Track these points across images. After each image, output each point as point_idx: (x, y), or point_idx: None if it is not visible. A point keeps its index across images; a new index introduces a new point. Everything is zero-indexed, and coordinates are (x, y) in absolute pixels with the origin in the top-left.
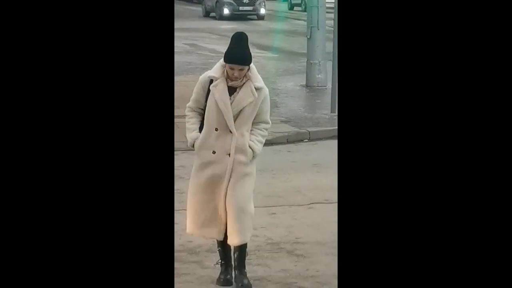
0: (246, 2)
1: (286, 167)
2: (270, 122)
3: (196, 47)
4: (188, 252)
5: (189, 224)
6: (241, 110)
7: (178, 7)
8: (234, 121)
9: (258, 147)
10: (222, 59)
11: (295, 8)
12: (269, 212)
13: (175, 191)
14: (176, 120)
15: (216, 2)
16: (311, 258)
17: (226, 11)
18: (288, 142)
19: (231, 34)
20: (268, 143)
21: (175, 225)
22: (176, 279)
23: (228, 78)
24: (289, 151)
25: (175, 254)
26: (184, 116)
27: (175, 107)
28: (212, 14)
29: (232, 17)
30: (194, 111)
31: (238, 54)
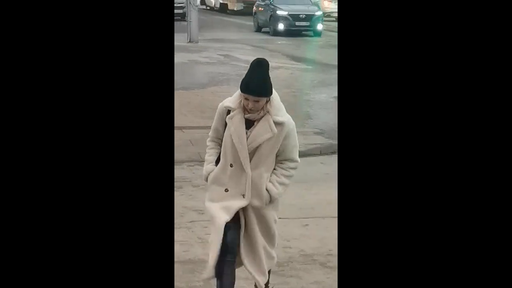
0: (303, 17)
1: (319, 179)
2: (299, 160)
3: (230, 58)
4: None
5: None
6: (257, 147)
7: (224, 19)
8: (250, 158)
9: (278, 190)
10: None
11: None
12: (302, 224)
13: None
14: (206, 131)
15: (270, 16)
16: None
17: (281, 26)
18: (321, 153)
19: (266, 46)
20: (301, 154)
21: (207, 236)
22: None
23: (245, 109)
24: (322, 163)
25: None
26: None
27: (207, 118)
28: (265, 29)
29: (287, 33)
30: (213, 141)
31: (254, 83)
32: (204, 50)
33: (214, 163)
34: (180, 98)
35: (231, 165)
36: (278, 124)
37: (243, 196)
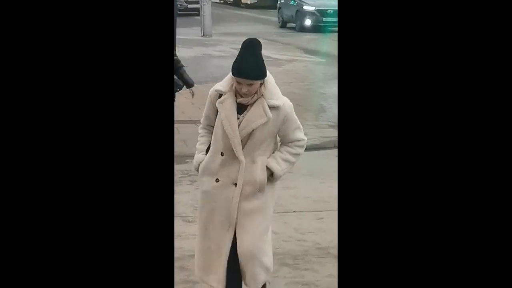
0: (331, 12)
1: (334, 172)
2: (305, 138)
3: None
4: None
5: (195, 267)
6: (251, 133)
7: (237, 13)
8: (243, 145)
9: (281, 166)
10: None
11: None
12: (317, 217)
13: None
14: None
15: (297, 11)
16: None
17: (308, 22)
18: (335, 147)
19: (280, 39)
20: (315, 148)
21: None
22: None
23: (237, 93)
24: (337, 156)
25: None
26: None
27: None
28: (290, 24)
29: (314, 29)
30: (205, 128)
31: (246, 66)
32: (218, 44)
33: (204, 152)
34: (194, 92)
35: (221, 154)
36: (273, 108)
37: (235, 185)
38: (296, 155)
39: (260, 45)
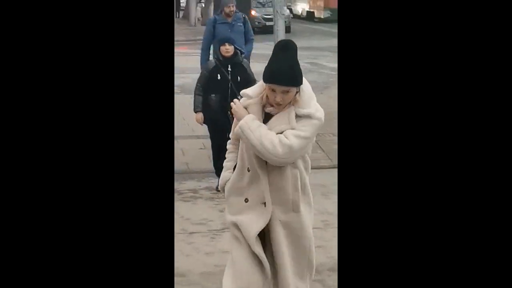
0: None
1: None
2: (293, 146)
3: (318, 66)
4: None
5: None
6: None
7: (311, 27)
8: None
9: (253, 124)
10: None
11: None
12: None
13: None
14: None
15: None
16: None
17: None
18: None
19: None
20: None
21: None
22: None
23: (267, 102)
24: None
25: None
26: None
27: None
28: None
29: None
30: (234, 144)
31: (281, 70)
32: None
33: (232, 170)
34: None
35: (248, 169)
36: (301, 116)
37: (264, 204)
38: (272, 143)
39: (296, 47)
